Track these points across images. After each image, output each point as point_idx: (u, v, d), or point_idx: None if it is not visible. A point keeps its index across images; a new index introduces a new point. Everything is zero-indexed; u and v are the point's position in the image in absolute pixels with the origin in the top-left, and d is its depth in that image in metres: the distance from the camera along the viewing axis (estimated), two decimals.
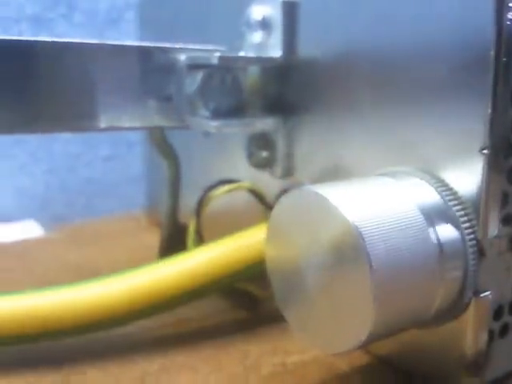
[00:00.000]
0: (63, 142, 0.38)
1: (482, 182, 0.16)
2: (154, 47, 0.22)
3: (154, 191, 0.34)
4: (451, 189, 0.17)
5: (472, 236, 0.16)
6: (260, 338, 0.21)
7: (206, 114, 0.22)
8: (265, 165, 0.23)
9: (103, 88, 0.21)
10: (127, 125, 0.22)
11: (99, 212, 0.39)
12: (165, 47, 0.22)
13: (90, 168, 0.39)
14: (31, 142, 0.38)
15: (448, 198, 0.16)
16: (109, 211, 0.38)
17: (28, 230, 0.34)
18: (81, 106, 0.21)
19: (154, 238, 0.29)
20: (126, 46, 0.22)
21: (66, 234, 0.34)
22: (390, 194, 0.16)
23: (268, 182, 0.23)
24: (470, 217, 0.16)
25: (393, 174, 0.18)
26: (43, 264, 0.29)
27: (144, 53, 0.22)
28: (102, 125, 0.22)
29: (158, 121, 0.23)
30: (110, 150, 0.41)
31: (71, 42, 0.21)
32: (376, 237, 0.14)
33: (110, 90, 0.22)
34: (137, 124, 0.22)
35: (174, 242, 0.25)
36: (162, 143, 0.25)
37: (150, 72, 0.22)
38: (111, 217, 0.37)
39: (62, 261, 0.29)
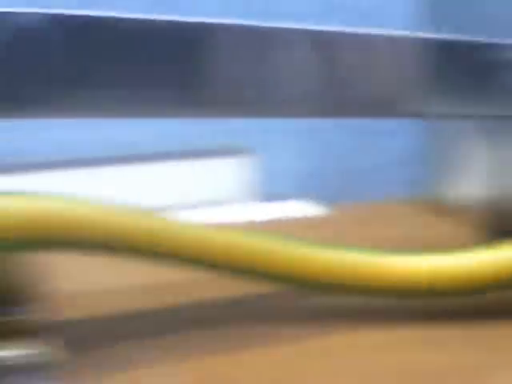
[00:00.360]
0: (334, 131, 0.41)
1: None
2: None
3: (434, 179, 0.34)
4: None
5: None
6: None
7: None
8: None
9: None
10: (466, 112, 0.22)
11: (366, 195, 0.39)
12: None
13: (356, 154, 0.41)
14: (307, 131, 0.40)
15: None
16: (373, 195, 0.39)
17: (306, 208, 0.36)
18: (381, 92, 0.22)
19: (429, 223, 0.28)
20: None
21: (342, 214, 0.35)
22: None
23: None
24: None
25: None
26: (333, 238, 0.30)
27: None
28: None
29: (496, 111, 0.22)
30: (373, 137, 0.42)
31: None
32: None
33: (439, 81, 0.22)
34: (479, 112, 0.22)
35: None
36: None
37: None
38: (379, 200, 0.37)
39: (351, 237, 0.30)
